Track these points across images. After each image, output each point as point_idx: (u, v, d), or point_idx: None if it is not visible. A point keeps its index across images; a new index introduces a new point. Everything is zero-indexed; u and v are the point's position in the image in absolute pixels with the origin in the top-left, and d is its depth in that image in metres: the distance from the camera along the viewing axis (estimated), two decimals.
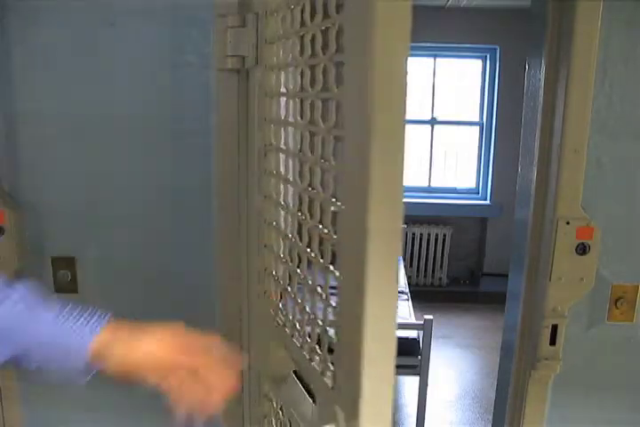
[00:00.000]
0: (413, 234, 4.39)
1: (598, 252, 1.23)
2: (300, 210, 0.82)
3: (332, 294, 0.84)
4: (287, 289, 0.93)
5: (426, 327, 2.28)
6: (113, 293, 1.36)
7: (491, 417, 1.72)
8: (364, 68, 0.50)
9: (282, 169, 0.97)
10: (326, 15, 0.66)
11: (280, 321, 0.94)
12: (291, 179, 0.88)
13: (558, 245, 1.21)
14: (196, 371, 0.59)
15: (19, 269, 1.31)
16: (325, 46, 0.77)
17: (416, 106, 4.57)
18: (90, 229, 1.32)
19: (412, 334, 2.43)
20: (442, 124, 4.75)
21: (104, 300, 1.36)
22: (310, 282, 0.78)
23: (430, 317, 2.24)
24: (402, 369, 2.31)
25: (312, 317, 0.77)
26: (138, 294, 1.35)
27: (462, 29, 4.35)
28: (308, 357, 0.77)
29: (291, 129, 0.90)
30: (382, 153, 0.49)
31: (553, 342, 1.26)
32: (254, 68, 1.01)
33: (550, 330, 1.25)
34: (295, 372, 0.98)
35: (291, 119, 0.94)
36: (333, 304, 0.76)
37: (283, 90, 0.92)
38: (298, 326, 0.85)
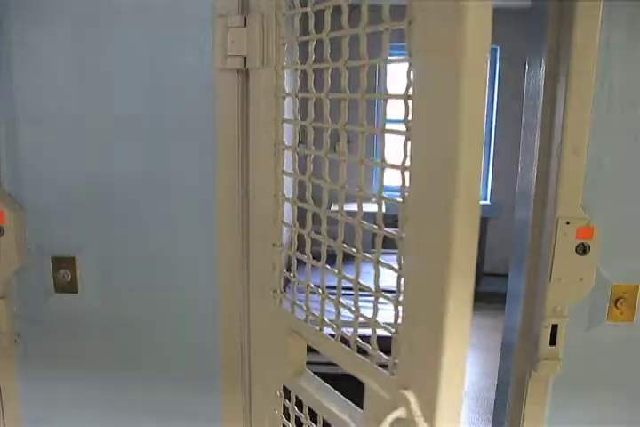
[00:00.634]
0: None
1: (598, 252, 1.23)
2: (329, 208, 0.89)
3: (344, 294, 0.87)
4: (310, 285, 0.96)
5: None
6: (113, 293, 1.36)
7: (491, 417, 1.72)
8: (446, 68, 0.55)
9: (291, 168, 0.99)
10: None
11: (311, 320, 0.97)
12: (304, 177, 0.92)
13: (558, 245, 1.21)
14: None
15: (19, 270, 1.32)
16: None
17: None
18: (90, 230, 1.32)
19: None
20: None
21: (104, 300, 1.37)
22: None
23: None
24: None
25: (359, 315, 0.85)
26: (138, 294, 1.35)
27: None
28: (349, 350, 0.86)
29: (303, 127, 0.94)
30: (468, 147, 0.55)
31: (553, 342, 1.26)
32: (261, 69, 1.01)
33: (550, 330, 1.25)
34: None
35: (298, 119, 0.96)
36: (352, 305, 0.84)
37: (291, 90, 0.95)
38: (332, 324, 0.92)
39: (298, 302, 1.01)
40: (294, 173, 0.98)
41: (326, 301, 0.93)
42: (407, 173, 0.66)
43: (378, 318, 0.82)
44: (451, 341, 0.61)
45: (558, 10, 1.16)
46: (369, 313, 0.84)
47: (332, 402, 0.93)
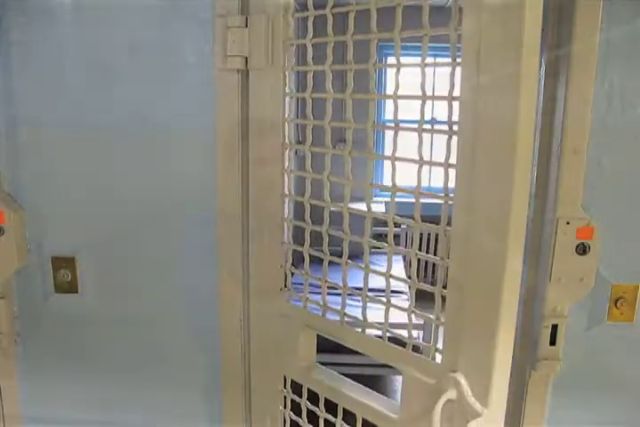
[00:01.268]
0: (412, 233, 4.39)
1: (598, 252, 1.23)
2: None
3: (349, 294, 0.91)
4: (327, 280, 0.99)
5: (426, 327, 2.27)
6: (113, 293, 1.36)
7: None
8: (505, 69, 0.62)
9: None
10: None
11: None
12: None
13: (558, 245, 1.21)
14: None
15: (19, 270, 1.31)
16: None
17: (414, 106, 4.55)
18: (90, 229, 1.32)
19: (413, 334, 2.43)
20: (440, 125, 4.72)
21: (104, 300, 1.37)
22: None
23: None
24: None
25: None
26: (138, 295, 1.35)
27: None
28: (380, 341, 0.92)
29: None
30: (524, 148, 0.62)
31: (553, 342, 1.26)
32: (265, 69, 1.02)
33: (550, 330, 1.25)
34: None
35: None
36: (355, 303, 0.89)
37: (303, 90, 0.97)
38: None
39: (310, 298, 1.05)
40: (308, 173, 1.00)
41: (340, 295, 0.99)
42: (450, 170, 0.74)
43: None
44: (504, 325, 0.68)
45: (558, 9, 1.16)
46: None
47: (359, 393, 0.98)
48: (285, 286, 1.10)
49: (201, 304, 1.31)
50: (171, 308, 1.34)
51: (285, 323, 1.10)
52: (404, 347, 0.89)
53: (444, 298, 0.80)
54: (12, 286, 1.34)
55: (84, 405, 1.43)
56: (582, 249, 1.21)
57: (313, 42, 0.92)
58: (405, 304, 0.91)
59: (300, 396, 1.08)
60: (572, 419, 1.36)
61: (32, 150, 1.28)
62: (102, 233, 1.32)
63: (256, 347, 1.22)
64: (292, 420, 1.13)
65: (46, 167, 1.29)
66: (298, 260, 1.11)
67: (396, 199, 0.86)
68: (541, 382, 1.31)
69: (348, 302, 0.99)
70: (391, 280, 0.89)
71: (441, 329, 0.82)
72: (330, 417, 1.03)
